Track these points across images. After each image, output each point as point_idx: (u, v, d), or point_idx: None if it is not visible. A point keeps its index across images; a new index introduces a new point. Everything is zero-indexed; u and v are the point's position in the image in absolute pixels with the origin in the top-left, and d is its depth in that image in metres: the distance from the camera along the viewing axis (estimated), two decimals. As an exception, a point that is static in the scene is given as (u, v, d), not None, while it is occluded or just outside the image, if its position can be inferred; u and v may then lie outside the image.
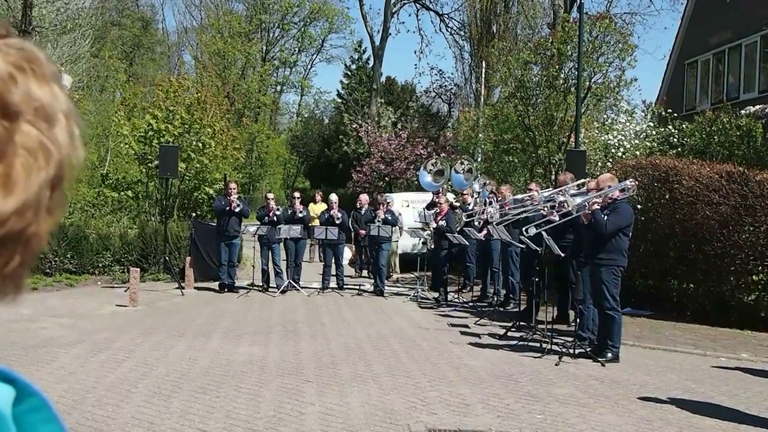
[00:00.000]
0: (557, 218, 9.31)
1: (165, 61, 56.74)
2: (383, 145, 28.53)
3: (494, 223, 11.35)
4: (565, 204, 8.89)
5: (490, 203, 12.57)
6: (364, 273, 18.07)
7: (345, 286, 15.08)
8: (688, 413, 6.37)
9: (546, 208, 9.65)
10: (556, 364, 8.27)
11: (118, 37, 48.92)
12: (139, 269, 12.96)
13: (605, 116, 19.18)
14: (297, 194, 15.67)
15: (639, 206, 11.84)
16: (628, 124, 17.59)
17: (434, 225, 14.11)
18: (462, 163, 16.05)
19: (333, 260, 15.03)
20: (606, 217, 8.42)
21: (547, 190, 11.48)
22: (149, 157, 19.08)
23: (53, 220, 0.78)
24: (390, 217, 14.77)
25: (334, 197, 15.46)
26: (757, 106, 16.83)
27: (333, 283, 15.01)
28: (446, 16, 39.52)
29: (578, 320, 9.45)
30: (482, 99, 30.18)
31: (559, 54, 16.74)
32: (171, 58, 58.63)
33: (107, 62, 33.65)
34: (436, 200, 14.91)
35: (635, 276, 12.01)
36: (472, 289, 14.76)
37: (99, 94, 31.81)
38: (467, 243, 13.64)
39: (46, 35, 23.24)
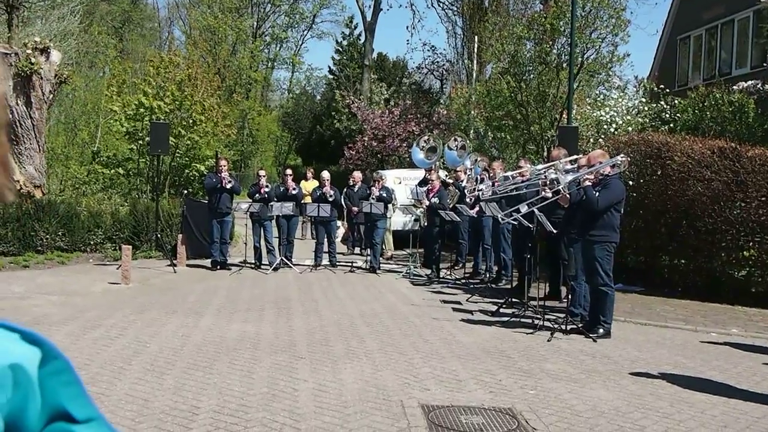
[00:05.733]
0: (550, 194, 9.27)
1: (155, 36, 56.26)
2: (376, 121, 28.42)
3: (486, 199, 11.35)
4: (557, 181, 8.88)
5: (482, 180, 12.57)
6: (357, 250, 18.08)
7: (337, 264, 15.09)
8: (678, 388, 6.42)
9: (540, 183, 9.63)
10: (548, 340, 8.32)
11: (107, 12, 48.37)
12: (130, 246, 12.92)
13: (597, 92, 19.13)
14: (288, 171, 15.63)
15: (631, 182, 11.86)
16: (620, 100, 17.54)
17: (427, 202, 14.11)
18: (455, 140, 16.02)
19: (325, 237, 15.02)
20: (597, 194, 8.43)
21: (540, 165, 11.46)
22: (140, 134, 18.97)
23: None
24: (384, 194, 14.75)
25: (326, 174, 15.41)
26: (750, 82, 16.82)
27: (325, 260, 15.02)
28: (438, -9, 39.14)
29: (570, 296, 9.50)
30: (474, 75, 30.06)
31: (552, 29, 16.65)
32: (161, 33, 58.15)
33: (97, 38, 33.29)
34: (429, 177, 14.89)
35: (626, 252, 12.05)
36: (464, 265, 14.79)
37: (89, 71, 31.49)
38: (459, 220, 13.65)
39: (34, 11, 22.98)
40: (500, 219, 10.53)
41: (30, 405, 0.82)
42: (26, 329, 0.85)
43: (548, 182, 9.20)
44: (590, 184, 8.56)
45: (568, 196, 8.70)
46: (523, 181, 10.48)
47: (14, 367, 0.81)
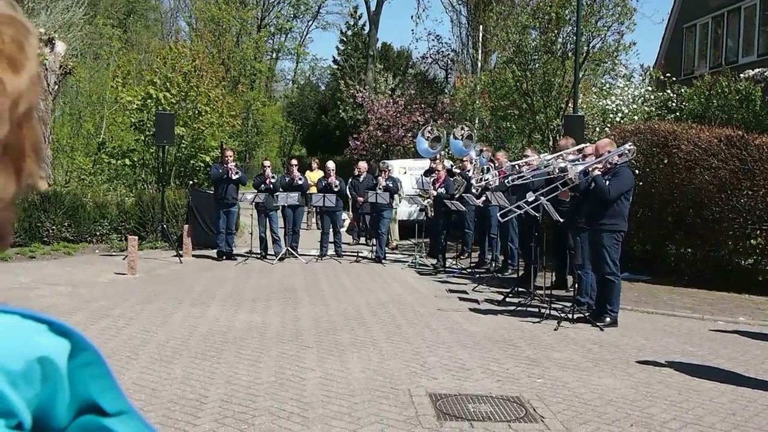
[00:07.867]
0: (575, 178, 9.05)
1: (159, 27, 56.10)
2: (380, 111, 28.39)
3: (493, 188, 11.32)
4: (566, 170, 8.85)
5: (488, 170, 12.55)
6: (362, 240, 18.09)
7: (343, 254, 15.09)
8: (686, 376, 6.41)
9: (554, 171, 9.54)
10: (554, 329, 8.31)
11: (111, 3, 48.28)
12: (136, 237, 12.94)
13: (603, 81, 19.06)
14: (294, 161, 15.63)
15: (637, 171, 11.81)
16: (626, 88, 17.48)
17: (434, 193, 14.09)
18: (462, 129, 15.96)
19: (331, 227, 15.03)
20: (608, 183, 8.39)
21: (546, 154, 11.41)
22: (147, 123, 18.96)
23: (37, 158, 0.84)
24: (391, 185, 14.74)
25: (331, 164, 15.39)
26: (756, 70, 16.72)
27: (331, 250, 15.02)
28: (443, -20, 39.03)
29: (576, 285, 9.47)
30: (479, 65, 29.97)
31: (557, 18, 16.58)
32: (165, 24, 57.98)
33: (101, 29, 33.24)
34: (434, 167, 14.86)
35: (633, 241, 12.02)
36: (470, 255, 14.78)
37: (93, 62, 31.44)
38: (465, 209, 13.63)
39: (39, 2, 22.96)
40: (512, 208, 10.47)
41: (59, 399, 0.80)
42: (54, 319, 0.82)
43: (558, 171, 9.16)
44: (599, 173, 8.52)
45: (569, 189, 8.61)
46: (534, 170, 10.40)
47: (43, 360, 0.79)
